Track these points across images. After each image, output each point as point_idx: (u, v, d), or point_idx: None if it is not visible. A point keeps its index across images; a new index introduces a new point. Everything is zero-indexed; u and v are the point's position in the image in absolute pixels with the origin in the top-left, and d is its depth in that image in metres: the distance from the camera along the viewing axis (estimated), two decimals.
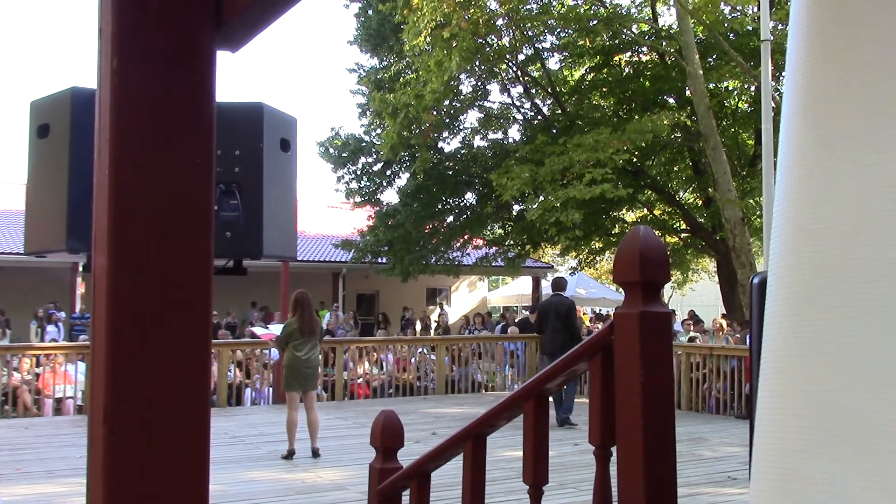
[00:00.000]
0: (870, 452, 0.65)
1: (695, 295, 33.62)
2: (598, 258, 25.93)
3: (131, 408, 0.95)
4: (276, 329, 10.36)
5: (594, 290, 27.64)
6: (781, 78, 17.56)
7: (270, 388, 13.18)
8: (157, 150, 0.98)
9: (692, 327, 15.26)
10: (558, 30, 19.42)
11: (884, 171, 0.69)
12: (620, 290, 2.06)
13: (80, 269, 20.60)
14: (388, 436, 3.10)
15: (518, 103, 21.36)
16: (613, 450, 2.09)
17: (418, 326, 23.21)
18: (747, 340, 12.41)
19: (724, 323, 14.48)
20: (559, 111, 20.24)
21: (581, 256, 23.78)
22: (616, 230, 20.98)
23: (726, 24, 17.61)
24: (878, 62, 0.70)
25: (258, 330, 13.96)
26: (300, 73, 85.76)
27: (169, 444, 0.96)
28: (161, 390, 0.97)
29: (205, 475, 0.97)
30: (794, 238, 0.73)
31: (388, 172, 21.42)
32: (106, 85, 0.96)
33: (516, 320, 18.41)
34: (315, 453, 8.53)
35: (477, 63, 17.85)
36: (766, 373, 0.73)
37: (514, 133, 21.67)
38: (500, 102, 21.58)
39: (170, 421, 0.96)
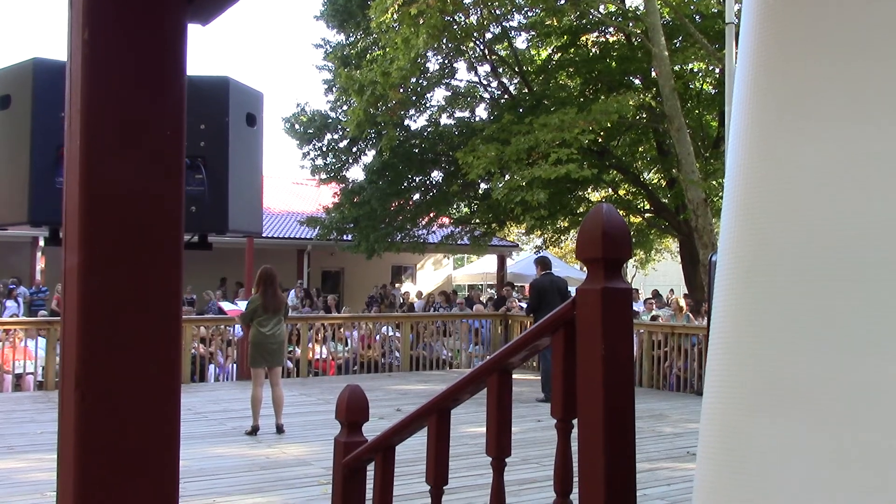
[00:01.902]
0: (805, 411, 0.70)
1: (657, 274, 33.99)
2: (563, 237, 26.10)
3: (103, 374, 0.96)
4: (244, 305, 10.33)
5: (558, 269, 27.78)
6: None
7: (234, 365, 13.15)
8: (128, 121, 0.99)
9: (654, 306, 15.45)
10: (526, 9, 19.38)
11: (819, 156, 0.73)
12: (584, 269, 2.10)
13: (41, 242, 20.30)
14: (353, 410, 3.13)
15: (485, 82, 21.34)
16: (575, 423, 2.14)
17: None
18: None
19: (684, 302, 14.68)
20: (526, 90, 20.25)
21: (546, 235, 23.92)
22: (581, 210, 21.10)
23: (692, 7, 17.71)
24: (823, 52, 0.74)
25: (226, 305, 13.90)
26: (266, 47, 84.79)
27: (140, 410, 0.97)
28: (132, 357, 0.98)
29: (175, 440, 0.99)
30: (740, 217, 0.77)
31: (354, 149, 21.33)
32: (77, 57, 0.96)
33: (482, 299, 18.50)
34: (279, 429, 8.55)
35: (444, 41, 17.78)
36: (715, 339, 0.78)
37: (481, 112, 21.68)
38: (467, 81, 21.56)
39: (140, 387, 0.98)
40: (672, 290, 20.73)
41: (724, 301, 0.77)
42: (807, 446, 0.69)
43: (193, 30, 1.13)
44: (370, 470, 3.15)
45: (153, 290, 1.00)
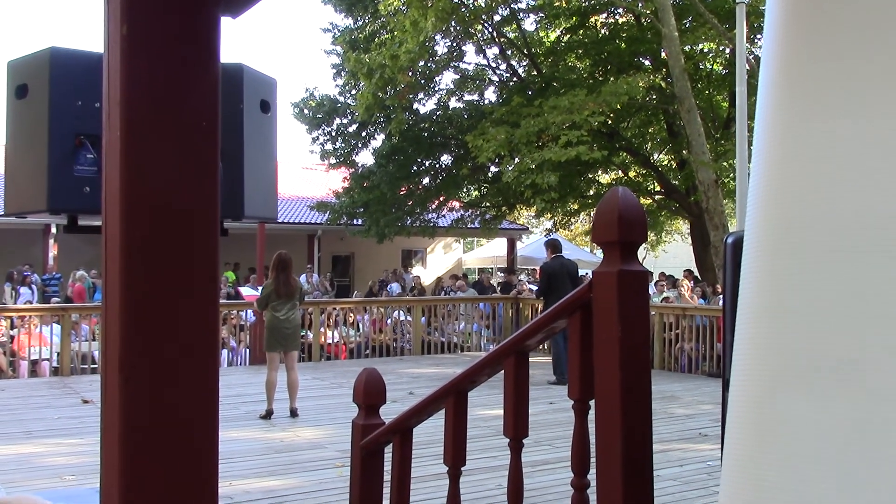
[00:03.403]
0: (827, 386, 0.73)
1: (668, 256, 33.92)
2: (573, 220, 26.07)
3: (146, 357, 1.00)
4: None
5: (568, 252, 27.73)
6: (756, 40, 17.61)
7: (247, 350, 13.23)
8: (166, 113, 1.02)
9: (664, 287, 15.44)
10: None
11: (847, 137, 0.75)
12: (595, 251, 2.12)
13: (53, 230, 20.34)
14: (370, 393, 3.17)
15: (494, 64, 21.28)
16: (592, 403, 2.16)
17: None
18: (720, 301, 12.62)
19: (687, 283, 14.69)
20: (535, 73, 20.19)
21: (556, 218, 23.90)
22: (591, 192, 21.11)
23: None
24: (853, 36, 0.76)
25: (244, 290, 14.01)
26: (274, 31, 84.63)
27: (182, 392, 1.00)
28: (173, 341, 1.01)
29: (215, 420, 1.02)
30: (767, 197, 0.80)
31: (364, 134, 21.31)
32: (115, 51, 0.99)
33: (493, 282, 18.56)
34: (293, 413, 8.62)
35: (452, 23, 17.72)
36: (742, 319, 0.80)
37: (490, 94, 21.63)
38: (476, 64, 21.49)
39: (182, 370, 1.01)
40: (690, 271, 20.59)
41: (752, 279, 0.79)
42: (835, 421, 0.72)
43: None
44: (387, 452, 3.18)
45: (192, 275, 1.03)
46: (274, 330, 8.66)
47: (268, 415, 8.54)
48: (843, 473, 0.70)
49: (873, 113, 0.74)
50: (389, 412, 3.19)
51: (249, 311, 13.22)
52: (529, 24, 21.24)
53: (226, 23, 1.18)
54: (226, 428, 8.07)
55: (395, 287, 20.45)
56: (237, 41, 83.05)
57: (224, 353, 12.94)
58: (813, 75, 0.78)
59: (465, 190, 22.58)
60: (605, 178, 23.45)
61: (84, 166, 2.49)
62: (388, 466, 3.18)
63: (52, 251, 21.16)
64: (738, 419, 0.77)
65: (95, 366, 11.81)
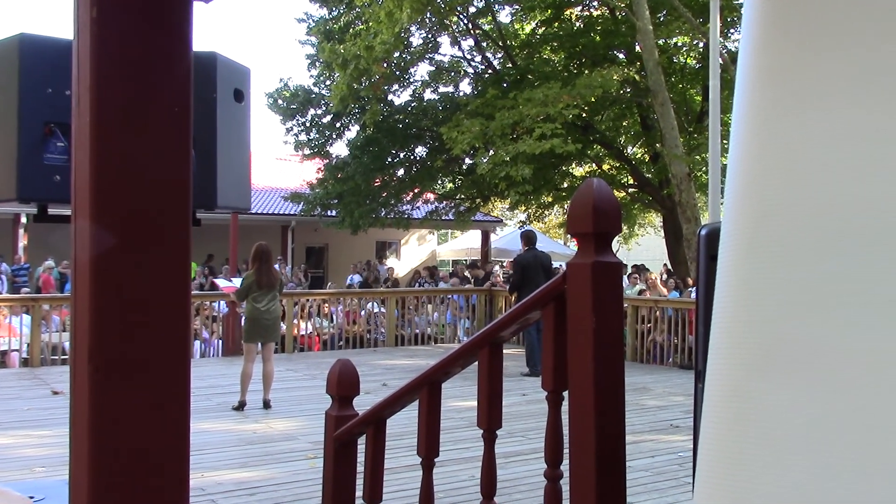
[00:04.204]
0: (802, 373, 0.74)
1: (641, 249, 34.12)
2: (547, 212, 26.14)
3: (115, 346, 0.98)
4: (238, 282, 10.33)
5: (542, 245, 27.78)
6: (729, 35, 17.72)
7: (219, 341, 13.16)
8: (137, 97, 1.00)
9: (637, 280, 15.55)
10: None
11: (826, 128, 0.76)
12: (568, 244, 2.13)
13: (24, 220, 20.09)
14: (344, 384, 3.16)
15: (469, 56, 21.25)
16: (565, 395, 2.17)
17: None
18: (692, 294, 12.72)
19: (658, 277, 14.83)
20: (510, 65, 20.20)
21: (530, 211, 23.96)
22: (565, 185, 21.17)
23: None
24: (835, 28, 0.76)
25: (221, 282, 13.93)
26: (248, 21, 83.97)
27: (152, 381, 0.99)
28: (143, 328, 1.00)
29: (186, 410, 1.01)
30: (743, 186, 0.80)
31: (338, 125, 21.25)
32: (85, 33, 0.97)
33: (466, 273, 18.58)
34: (266, 405, 8.58)
35: (428, 15, 17.67)
36: (718, 308, 0.81)
37: (465, 86, 21.62)
38: (451, 55, 21.47)
39: (153, 358, 1.00)
40: (642, 266, 20.75)
41: (728, 268, 0.80)
42: (814, 409, 0.72)
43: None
44: (361, 443, 3.18)
45: (163, 263, 1.02)
46: (254, 321, 8.62)
47: (241, 406, 8.50)
48: (821, 461, 0.71)
49: (853, 103, 0.75)
50: (363, 404, 3.18)
51: (222, 303, 13.15)
52: (505, 16, 21.25)
53: (199, 8, 1.17)
54: (198, 419, 8.07)
55: (355, 278, 20.49)
56: (210, 28, 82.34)
57: (197, 344, 12.86)
58: (792, 66, 0.78)
59: (439, 182, 22.58)
60: (579, 171, 23.52)
61: (54, 154, 2.46)
62: (361, 458, 3.18)
63: (23, 241, 20.91)
64: (715, 408, 0.77)
65: (66, 357, 11.69)
